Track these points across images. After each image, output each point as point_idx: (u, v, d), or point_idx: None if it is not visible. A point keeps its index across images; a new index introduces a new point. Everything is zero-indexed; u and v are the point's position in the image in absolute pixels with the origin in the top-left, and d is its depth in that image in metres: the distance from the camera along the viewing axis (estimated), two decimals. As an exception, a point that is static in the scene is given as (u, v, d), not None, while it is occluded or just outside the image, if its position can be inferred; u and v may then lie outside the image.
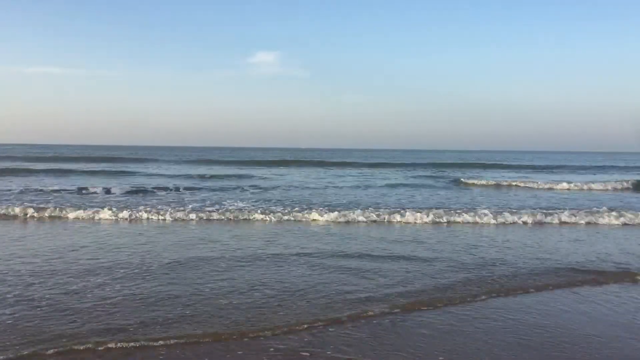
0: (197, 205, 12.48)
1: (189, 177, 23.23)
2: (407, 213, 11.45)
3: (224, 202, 13.14)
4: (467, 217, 11.28)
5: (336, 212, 11.38)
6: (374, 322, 4.57)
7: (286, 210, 11.58)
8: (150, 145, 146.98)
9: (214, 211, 11.40)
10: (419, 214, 11.34)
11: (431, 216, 11.26)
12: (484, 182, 23.06)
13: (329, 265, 6.68)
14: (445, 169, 36.83)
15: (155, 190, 16.08)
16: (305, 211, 11.54)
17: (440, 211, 11.72)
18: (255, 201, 13.65)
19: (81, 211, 10.97)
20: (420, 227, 10.53)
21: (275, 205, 12.61)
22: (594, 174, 32.95)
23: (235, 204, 12.92)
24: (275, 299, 5.15)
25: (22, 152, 51.20)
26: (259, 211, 11.41)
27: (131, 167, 31.56)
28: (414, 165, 40.36)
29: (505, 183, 22.66)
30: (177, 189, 16.41)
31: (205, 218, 10.93)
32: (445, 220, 11.14)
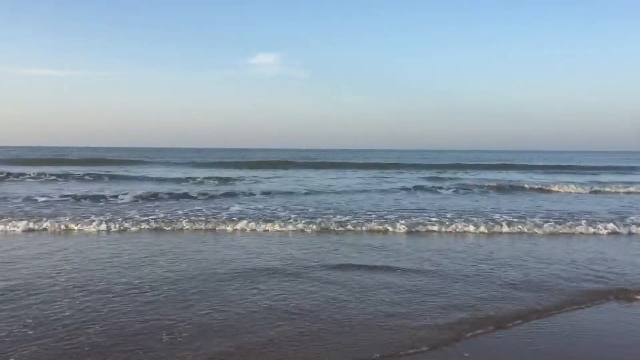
0: (211, 213, 12.22)
1: (196, 181, 22.95)
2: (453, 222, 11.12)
3: (236, 209, 12.89)
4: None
5: (358, 220, 11.16)
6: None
7: (304, 217, 11.34)
8: (150, 147, 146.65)
9: (229, 220, 11.16)
10: (464, 224, 10.99)
11: (472, 226, 10.88)
12: (530, 186, 21.62)
13: (366, 282, 6.34)
14: (458, 170, 36.70)
15: (166, 195, 15.79)
16: (323, 219, 11.29)
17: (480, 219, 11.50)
18: (266, 207, 13.38)
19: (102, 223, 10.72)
20: (460, 236, 10.29)
21: (293, 213, 12.35)
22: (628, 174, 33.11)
23: (248, 210, 12.67)
24: (311, 329, 4.70)
25: (21, 155, 50.62)
26: (279, 223, 10.94)
27: (135, 170, 31.22)
28: (421, 166, 40.06)
29: (560, 189, 20.91)
30: (186, 195, 16.13)
31: (216, 228, 10.70)
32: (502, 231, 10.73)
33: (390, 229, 10.75)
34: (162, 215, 11.80)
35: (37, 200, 14.52)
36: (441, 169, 37.48)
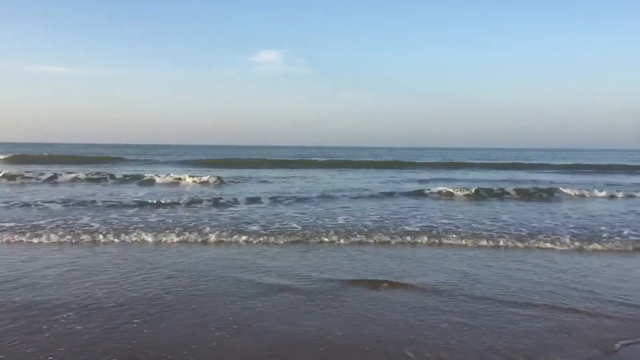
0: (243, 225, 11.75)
1: (214, 183, 22.32)
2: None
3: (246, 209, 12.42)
4: None
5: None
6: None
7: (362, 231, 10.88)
8: (152, 144, 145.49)
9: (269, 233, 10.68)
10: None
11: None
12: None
13: (443, 307, 5.68)
14: (464, 169, 36.30)
15: (199, 202, 15.07)
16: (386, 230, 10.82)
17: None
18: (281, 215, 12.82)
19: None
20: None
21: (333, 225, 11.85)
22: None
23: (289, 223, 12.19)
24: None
25: (22, 152, 49.22)
26: (328, 233, 9.70)
27: (146, 169, 30.30)
28: (428, 165, 39.59)
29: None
30: (214, 201, 15.39)
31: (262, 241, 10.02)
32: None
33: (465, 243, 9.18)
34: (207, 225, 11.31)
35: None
36: (450, 168, 37.12)
